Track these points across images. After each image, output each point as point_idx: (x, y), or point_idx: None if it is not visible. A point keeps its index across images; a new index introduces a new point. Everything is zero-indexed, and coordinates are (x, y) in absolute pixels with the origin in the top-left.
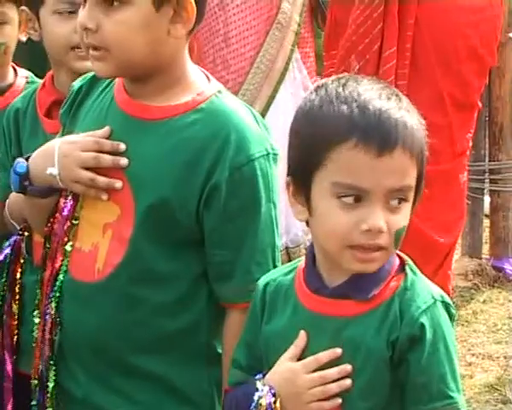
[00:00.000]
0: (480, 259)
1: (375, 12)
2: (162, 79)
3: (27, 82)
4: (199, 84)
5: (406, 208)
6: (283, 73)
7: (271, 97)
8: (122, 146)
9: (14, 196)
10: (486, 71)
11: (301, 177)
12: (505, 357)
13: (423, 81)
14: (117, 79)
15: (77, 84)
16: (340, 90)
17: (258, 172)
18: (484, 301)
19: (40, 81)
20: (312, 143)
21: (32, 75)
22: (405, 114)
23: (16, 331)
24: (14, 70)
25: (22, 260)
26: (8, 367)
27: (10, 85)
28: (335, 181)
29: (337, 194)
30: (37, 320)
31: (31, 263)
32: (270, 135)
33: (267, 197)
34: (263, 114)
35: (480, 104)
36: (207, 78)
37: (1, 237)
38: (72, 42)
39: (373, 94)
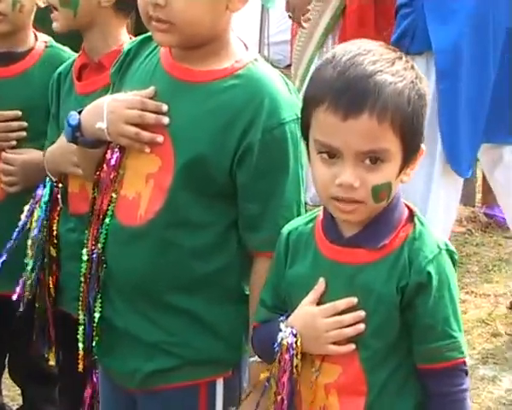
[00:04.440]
0: (474, 207)
1: None
2: (210, 47)
3: (46, 46)
4: (238, 52)
5: (387, 168)
6: (322, 37)
7: (311, 61)
8: (164, 107)
9: (50, 151)
10: None
11: (303, 133)
12: (495, 295)
13: None
14: None
15: (127, 46)
16: (342, 54)
17: (288, 135)
18: (476, 245)
19: (57, 45)
20: (305, 102)
21: (52, 40)
22: (388, 80)
23: (56, 273)
24: (35, 35)
25: (58, 210)
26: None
27: (30, 50)
28: (315, 138)
29: (317, 150)
30: (84, 258)
31: (65, 213)
32: (300, 101)
33: (295, 158)
34: (305, 76)
35: None
36: (245, 46)
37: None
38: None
39: (364, 60)
